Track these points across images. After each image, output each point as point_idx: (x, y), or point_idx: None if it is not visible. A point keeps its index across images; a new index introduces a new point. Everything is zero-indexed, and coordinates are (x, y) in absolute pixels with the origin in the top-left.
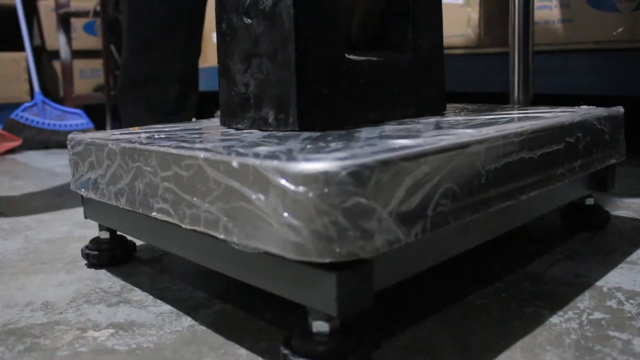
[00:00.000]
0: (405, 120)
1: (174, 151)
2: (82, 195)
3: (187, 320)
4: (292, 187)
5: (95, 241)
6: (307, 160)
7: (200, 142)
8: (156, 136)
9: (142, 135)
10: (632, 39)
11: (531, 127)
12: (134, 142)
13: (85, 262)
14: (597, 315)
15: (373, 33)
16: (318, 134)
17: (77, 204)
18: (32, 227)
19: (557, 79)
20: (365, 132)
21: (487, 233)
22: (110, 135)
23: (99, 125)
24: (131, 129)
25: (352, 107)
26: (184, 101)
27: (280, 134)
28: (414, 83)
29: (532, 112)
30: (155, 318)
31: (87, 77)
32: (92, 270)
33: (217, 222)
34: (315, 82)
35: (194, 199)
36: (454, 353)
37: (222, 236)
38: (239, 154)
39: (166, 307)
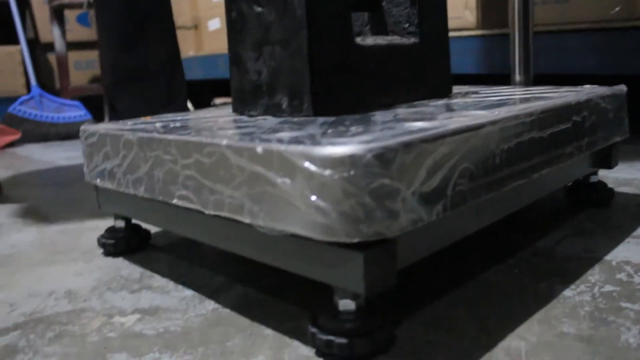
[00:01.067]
0: (415, 103)
1: (195, 139)
2: (95, 186)
3: (211, 304)
4: (319, 170)
5: (111, 230)
6: (332, 144)
7: (219, 129)
8: (172, 125)
9: (157, 125)
10: (630, 18)
11: (540, 107)
12: (151, 132)
13: (102, 251)
14: (608, 288)
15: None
16: (333, 118)
17: (85, 196)
18: (44, 218)
19: (556, 59)
20: (379, 116)
21: (502, 211)
22: (124, 126)
23: (97, 117)
24: (143, 119)
25: (363, 91)
26: (175, 89)
27: (296, 119)
28: (421, 67)
29: (537, 92)
30: (179, 302)
31: (83, 68)
32: (110, 258)
33: (242, 206)
34: (328, 68)
35: (217, 185)
36: (473, 327)
37: (247, 220)
38: (262, 139)
39: (188, 292)
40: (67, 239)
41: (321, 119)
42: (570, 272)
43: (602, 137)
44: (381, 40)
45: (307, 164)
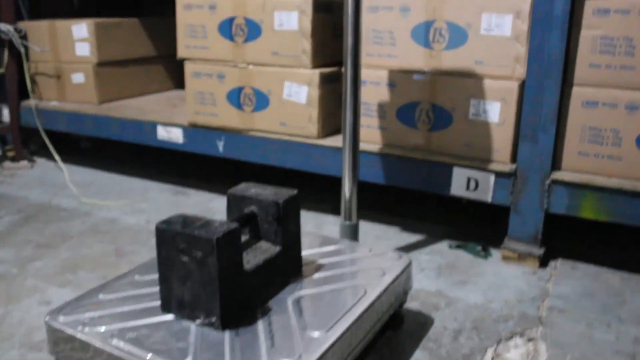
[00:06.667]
0: (281, 302)
1: None
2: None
3: None
4: None
5: None
6: None
7: (171, 346)
8: (127, 336)
9: (118, 340)
10: (427, 151)
11: (360, 311)
12: (120, 350)
13: None
14: None
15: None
16: (237, 339)
17: None
18: None
19: (379, 172)
20: (262, 337)
21: None
22: (83, 327)
23: None
24: (90, 305)
25: (249, 299)
26: None
27: (211, 337)
28: (283, 266)
29: (357, 267)
30: None
31: None
32: None
33: None
34: (231, 299)
35: None
36: None
37: None
38: None
39: None
40: None
41: (227, 338)
42: None
43: (396, 303)
44: (260, 256)
45: None
